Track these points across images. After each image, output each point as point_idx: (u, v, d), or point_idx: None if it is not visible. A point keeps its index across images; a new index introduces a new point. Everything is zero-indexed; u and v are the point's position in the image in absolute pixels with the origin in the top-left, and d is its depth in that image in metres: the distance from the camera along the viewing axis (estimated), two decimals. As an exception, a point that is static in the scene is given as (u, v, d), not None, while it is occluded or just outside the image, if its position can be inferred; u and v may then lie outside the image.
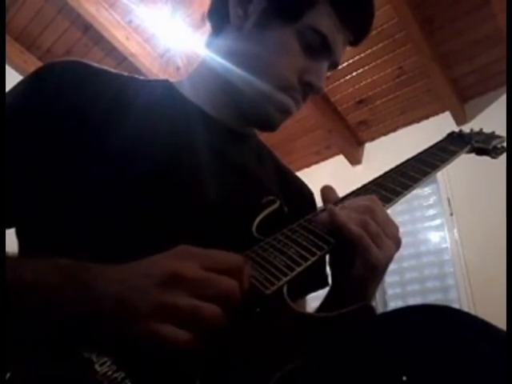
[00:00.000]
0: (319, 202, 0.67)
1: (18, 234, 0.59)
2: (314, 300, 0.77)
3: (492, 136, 1.02)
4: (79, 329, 0.38)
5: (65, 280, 0.40)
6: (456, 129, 1.00)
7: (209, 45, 0.74)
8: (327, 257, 0.60)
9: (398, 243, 0.58)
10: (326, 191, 0.63)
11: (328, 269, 0.65)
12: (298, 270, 0.50)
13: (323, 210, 0.59)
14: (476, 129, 1.02)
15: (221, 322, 0.38)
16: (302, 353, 0.41)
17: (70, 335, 0.38)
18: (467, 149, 0.91)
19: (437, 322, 0.41)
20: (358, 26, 0.71)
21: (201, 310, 0.38)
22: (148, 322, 0.37)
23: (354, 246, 0.53)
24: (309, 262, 0.51)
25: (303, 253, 0.52)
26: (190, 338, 0.37)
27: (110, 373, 0.36)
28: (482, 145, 0.96)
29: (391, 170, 0.74)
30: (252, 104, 0.69)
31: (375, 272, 0.55)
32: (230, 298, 0.40)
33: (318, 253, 0.53)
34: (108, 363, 0.36)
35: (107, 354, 0.37)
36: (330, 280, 0.76)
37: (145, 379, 0.37)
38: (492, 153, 0.98)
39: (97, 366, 0.36)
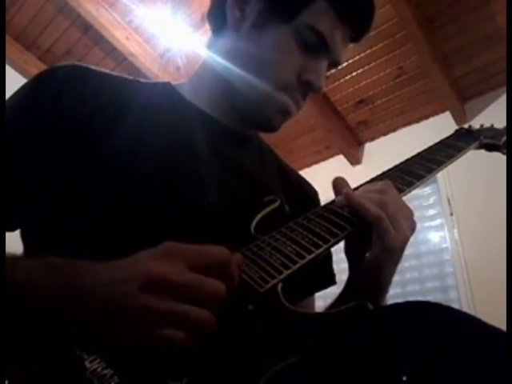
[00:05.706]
0: (323, 201, 0.66)
1: (23, 237, 0.59)
2: (319, 299, 0.77)
3: (503, 131, 0.97)
4: (68, 329, 0.38)
5: (54, 279, 0.40)
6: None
7: (209, 46, 0.74)
8: (342, 244, 0.60)
9: (413, 226, 0.59)
10: (339, 182, 0.63)
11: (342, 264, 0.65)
12: (294, 268, 0.49)
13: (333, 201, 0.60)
14: (486, 125, 0.98)
15: (206, 322, 0.38)
16: (295, 351, 0.40)
17: (59, 335, 0.38)
18: (475, 145, 0.88)
19: (436, 322, 0.41)
20: (357, 21, 0.69)
21: (185, 313, 0.38)
22: (133, 325, 0.37)
23: (373, 226, 0.54)
24: (305, 261, 0.51)
25: (299, 250, 0.52)
26: (175, 339, 0.37)
27: (99, 369, 0.36)
28: (491, 140, 0.92)
29: (393, 169, 0.73)
30: (251, 106, 0.68)
31: (392, 254, 0.56)
32: (216, 299, 0.39)
33: (315, 250, 0.53)
34: (98, 360, 0.37)
35: (96, 352, 0.37)
36: (336, 278, 0.76)
37: (132, 376, 0.37)
38: (502, 148, 0.93)
39: (87, 363, 0.36)
